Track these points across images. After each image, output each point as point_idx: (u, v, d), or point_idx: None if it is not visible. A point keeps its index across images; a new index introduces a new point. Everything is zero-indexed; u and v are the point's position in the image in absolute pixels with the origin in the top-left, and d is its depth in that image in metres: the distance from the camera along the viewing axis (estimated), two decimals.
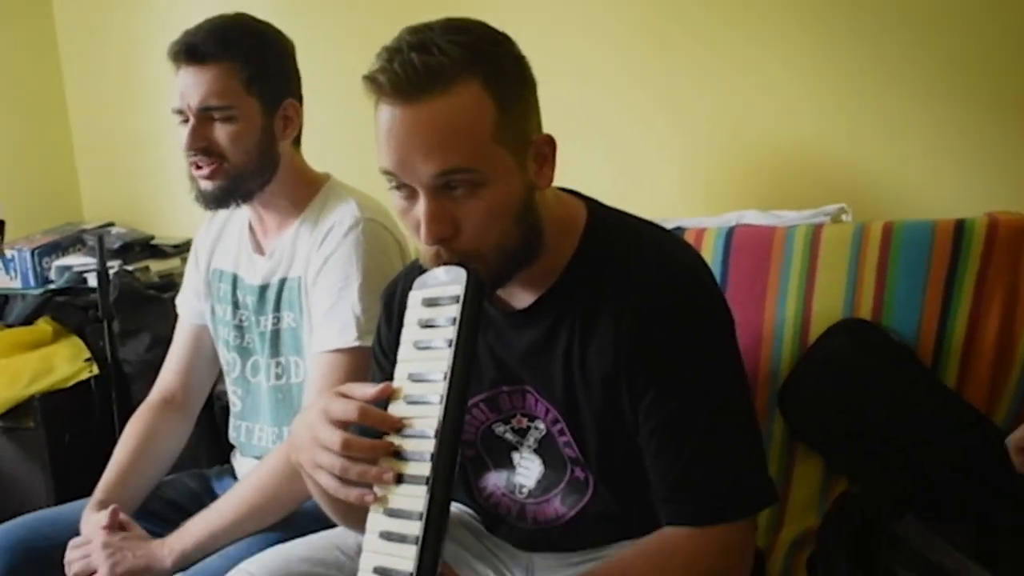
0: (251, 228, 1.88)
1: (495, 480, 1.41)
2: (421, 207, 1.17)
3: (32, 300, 2.59)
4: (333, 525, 1.41)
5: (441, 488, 1.09)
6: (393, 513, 1.12)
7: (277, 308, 1.81)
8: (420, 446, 1.11)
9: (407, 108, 1.14)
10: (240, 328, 1.88)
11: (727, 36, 2.13)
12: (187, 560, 1.66)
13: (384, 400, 1.17)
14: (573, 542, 1.39)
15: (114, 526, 1.72)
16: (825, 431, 1.72)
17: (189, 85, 1.71)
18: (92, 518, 1.75)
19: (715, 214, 1.96)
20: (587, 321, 1.26)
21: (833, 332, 1.73)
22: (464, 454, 1.40)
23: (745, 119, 2.14)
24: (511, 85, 1.19)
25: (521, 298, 1.31)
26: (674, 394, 1.22)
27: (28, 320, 2.55)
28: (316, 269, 1.74)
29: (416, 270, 1.41)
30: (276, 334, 1.82)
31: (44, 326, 2.51)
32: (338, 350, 1.69)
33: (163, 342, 2.06)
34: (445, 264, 1.19)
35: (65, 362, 2.36)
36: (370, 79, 1.16)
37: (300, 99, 1.81)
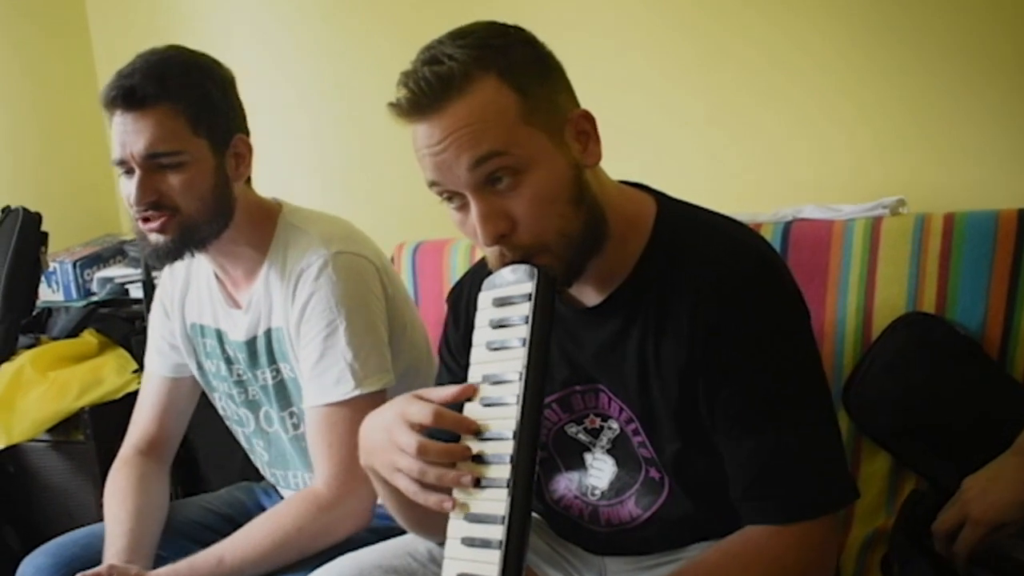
0: (218, 279, 1.76)
1: (566, 483, 1.39)
2: (473, 211, 1.16)
3: (76, 312, 2.58)
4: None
5: (522, 490, 1.08)
6: (474, 518, 1.10)
7: (272, 360, 1.72)
8: (499, 448, 1.10)
9: (431, 119, 1.15)
10: (241, 383, 1.79)
11: (774, 29, 2.10)
12: None
13: (458, 403, 1.16)
14: (648, 545, 1.37)
15: None
16: (892, 428, 1.69)
17: (129, 132, 1.56)
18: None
19: (769, 210, 1.93)
20: (661, 315, 1.24)
21: (897, 327, 1.71)
22: None
23: (796, 114, 2.11)
24: (528, 70, 1.18)
25: (592, 295, 1.29)
26: (754, 387, 1.19)
27: (72, 333, 2.54)
28: (295, 321, 1.63)
29: (483, 268, 1.39)
30: (281, 385, 1.73)
31: (89, 338, 2.50)
32: (338, 403, 1.60)
33: None
34: (511, 263, 1.17)
35: (113, 373, 2.35)
36: (394, 106, 1.18)
37: (247, 132, 1.69)
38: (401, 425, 1.14)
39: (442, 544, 1.37)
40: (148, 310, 2.36)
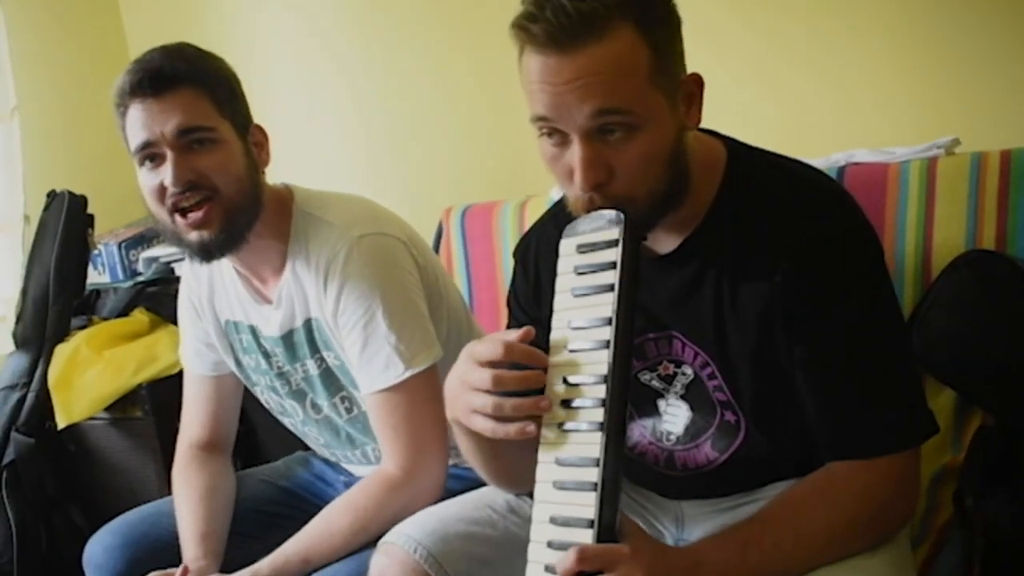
0: (240, 275, 1.73)
1: (640, 430, 1.40)
2: (575, 153, 1.15)
3: (124, 293, 2.60)
4: None
5: (616, 431, 1.09)
6: (567, 462, 1.11)
7: (316, 350, 1.69)
8: (591, 392, 1.11)
9: (563, 56, 1.12)
10: (283, 375, 1.77)
11: None
12: None
13: (544, 346, 1.17)
14: (725, 487, 1.38)
15: None
16: (956, 365, 1.68)
17: (155, 116, 1.52)
18: None
19: (821, 156, 1.92)
20: (737, 260, 1.24)
21: (957, 265, 1.70)
22: None
23: (846, 58, 2.10)
24: (662, 26, 1.17)
25: (665, 242, 1.30)
26: (836, 325, 1.20)
27: (122, 312, 2.56)
28: (331, 312, 1.61)
29: (549, 221, 1.40)
30: (327, 372, 1.71)
31: (140, 316, 2.52)
32: (393, 387, 1.59)
33: None
34: (596, 209, 1.17)
35: (167, 350, 2.36)
36: (520, 28, 1.14)
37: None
38: (472, 365, 1.16)
39: (522, 495, 1.40)
40: None
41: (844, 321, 1.20)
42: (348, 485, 1.80)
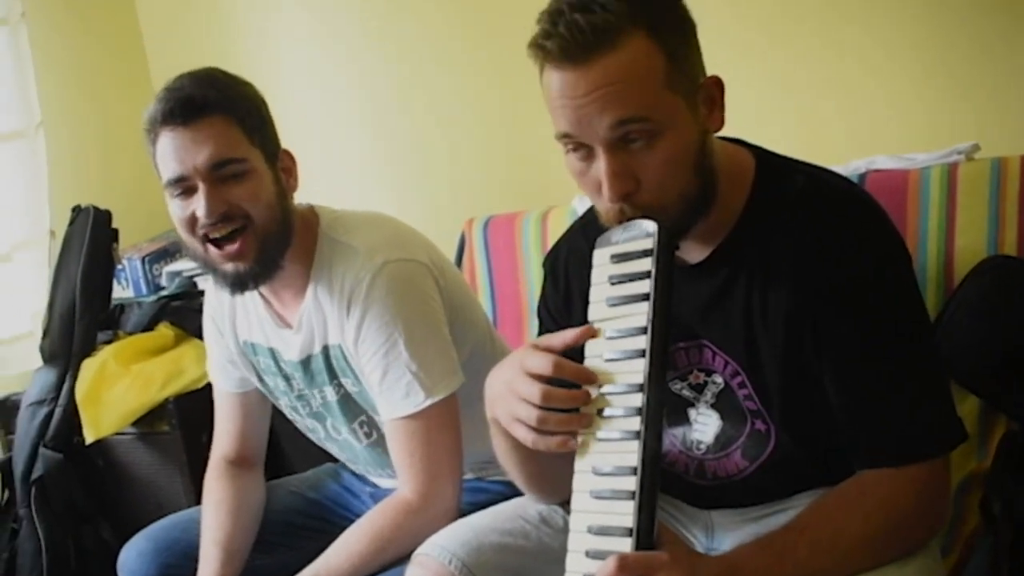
0: (263, 298, 1.72)
1: (671, 439, 1.41)
2: (601, 166, 1.17)
3: (148, 307, 2.62)
4: None
5: (653, 440, 1.10)
6: (604, 472, 1.13)
7: (333, 376, 1.70)
8: (626, 401, 1.12)
9: (578, 70, 1.14)
10: (303, 397, 1.77)
11: None
12: None
13: (577, 353, 1.19)
14: (755, 496, 1.39)
15: None
16: (980, 371, 1.69)
17: (187, 147, 1.51)
18: None
19: (842, 163, 1.93)
20: (766, 267, 1.26)
21: (980, 271, 1.71)
22: None
23: (866, 65, 2.11)
24: (675, 31, 1.19)
25: (695, 252, 1.31)
26: (864, 330, 1.21)
27: (147, 327, 2.57)
28: (353, 338, 1.61)
29: (579, 231, 1.42)
30: (346, 398, 1.72)
31: (165, 331, 2.54)
32: (412, 415, 1.60)
33: None
34: (628, 220, 1.19)
35: (193, 364, 2.38)
36: (538, 47, 1.16)
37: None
38: (521, 376, 1.17)
39: (555, 504, 1.42)
40: None
41: (873, 328, 1.21)
42: (374, 497, 1.83)
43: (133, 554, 1.82)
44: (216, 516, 1.79)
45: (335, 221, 1.68)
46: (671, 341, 1.33)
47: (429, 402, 1.58)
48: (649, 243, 1.14)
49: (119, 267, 2.71)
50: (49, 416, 2.43)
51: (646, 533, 1.09)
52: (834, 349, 1.23)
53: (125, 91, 3.09)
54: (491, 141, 2.60)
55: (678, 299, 1.31)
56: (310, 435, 1.88)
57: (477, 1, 2.58)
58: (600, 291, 1.19)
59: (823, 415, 1.27)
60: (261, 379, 1.83)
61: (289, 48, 2.87)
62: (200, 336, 2.46)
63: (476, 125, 2.62)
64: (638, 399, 1.10)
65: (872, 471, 1.23)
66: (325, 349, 1.68)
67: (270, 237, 1.57)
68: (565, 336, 1.19)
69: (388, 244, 1.64)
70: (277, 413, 1.93)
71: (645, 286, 1.13)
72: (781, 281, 1.24)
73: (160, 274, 2.79)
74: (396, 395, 1.59)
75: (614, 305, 1.16)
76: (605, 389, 1.14)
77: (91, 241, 2.52)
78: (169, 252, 2.83)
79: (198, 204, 1.53)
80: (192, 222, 1.55)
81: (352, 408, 1.73)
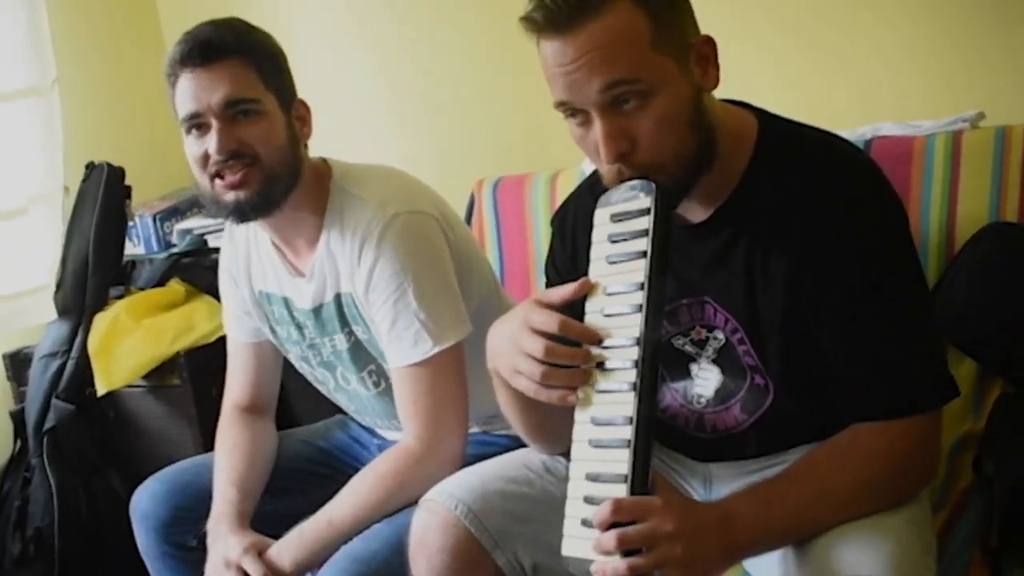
0: (276, 248, 1.77)
1: (672, 393, 1.44)
2: (596, 129, 1.21)
3: (160, 264, 2.65)
4: None
5: (648, 391, 1.14)
6: (602, 421, 1.16)
7: (345, 323, 1.73)
8: (624, 355, 1.15)
9: (566, 38, 1.19)
10: (314, 346, 1.81)
11: None
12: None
13: (579, 312, 1.21)
14: (752, 449, 1.42)
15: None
16: (978, 336, 1.71)
17: (204, 86, 1.58)
18: (232, 542, 1.69)
19: (848, 129, 1.95)
20: (767, 226, 1.28)
21: (982, 237, 1.73)
22: None
23: (872, 32, 2.12)
24: None
25: (698, 212, 1.34)
26: (860, 287, 1.24)
27: (159, 283, 2.59)
28: (363, 286, 1.65)
29: (587, 191, 1.44)
30: (357, 346, 1.75)
31: (176, 287, 2.57)
32: (420, 363, 1.64)
33: None
34: (628, 180, 1.21)
35: (204, 319, 2.42)
36: (527, 19, 1.21)
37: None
38: (525, 330, 1.21)
39: (556, 455, 1.45)
40: None
41: (868, 284, 1.24)
42: (381, 448, 1.86)
43: (145, 496, 1.87)
44: (230, 458, 1.83)
45: (347, 173, 1.72)
46: (673, 297, 1.37)
47: (436, 350, 1.62)
48: (647, 202, 1.18)
49: (131, 224, 2.73)
50: (62, 368, 2.47)
51: (641, 480, 1.12)
52: (831, 305, 1.26)
53: (139, 50, 3.10)
54: (502, 102, 2.61)
55: (681, 257, 1.35)
56: (319, 386, 1.92)
57: None
58: (601, 249, 1.22)
59: (820, 372, 1.30)
60: (273, 330, 1.86)
61: (301, 6, 2.88)
62: (211, 293, 2.53)
63: (486, 86, 2.63)
64: (635, 352, 1.13)
65: (864, 424, 1.26)
66: (337, 297, 1.71)
67: (275, 176, 1.62)
68: (563, 291, 1.22)
69: (399, 196, 1.67)
70: (287, 368, 1.97)
71: (643, 244, 1.16)
72: (781, 241, 1.27)
73: (171, 231, 2.82)
74: (404, 343, 1.63)
75: (614, 263, 1.20)
76: (605, 343, 1.17)
77: (104, 197, 2.55)
78: (180, 210, 2.86)
79: (210, 141, 1.59)
80: (204, 159, 1.61)
81: (362, 356, 1.76)
